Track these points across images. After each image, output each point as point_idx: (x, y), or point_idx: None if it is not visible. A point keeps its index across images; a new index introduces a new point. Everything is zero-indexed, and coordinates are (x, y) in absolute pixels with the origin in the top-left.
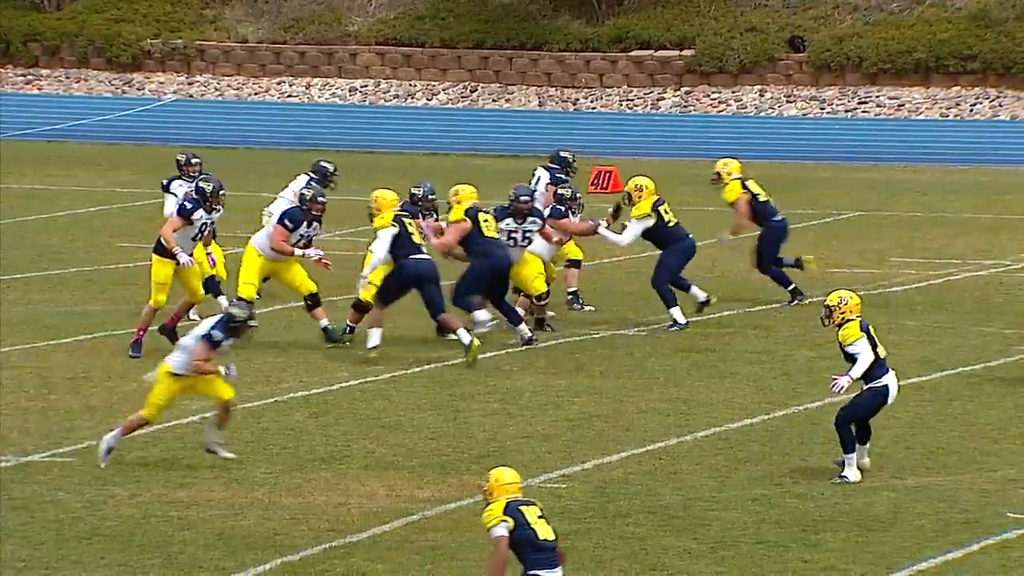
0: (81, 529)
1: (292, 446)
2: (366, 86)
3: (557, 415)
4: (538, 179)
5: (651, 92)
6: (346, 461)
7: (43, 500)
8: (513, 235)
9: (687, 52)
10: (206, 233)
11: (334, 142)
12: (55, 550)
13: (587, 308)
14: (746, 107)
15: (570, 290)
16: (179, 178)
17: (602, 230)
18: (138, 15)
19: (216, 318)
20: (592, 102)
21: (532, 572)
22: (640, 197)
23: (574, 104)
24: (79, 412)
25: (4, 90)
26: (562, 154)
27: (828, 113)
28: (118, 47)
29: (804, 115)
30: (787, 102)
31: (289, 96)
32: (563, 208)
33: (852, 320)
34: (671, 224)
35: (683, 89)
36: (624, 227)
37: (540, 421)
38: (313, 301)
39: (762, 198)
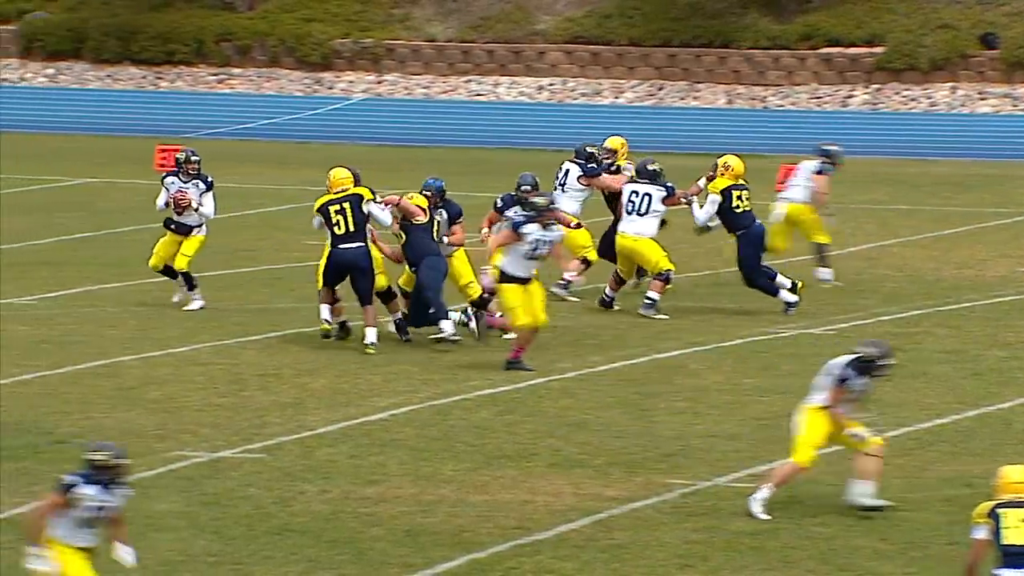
0: (272, 524)
1: (479, 444)
2: (553, 84)
3: (744, 414)
4: (567, 172)
5: (840, 89)
6: (532, 459)
7: (234, 496)
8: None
9: (877, 49)
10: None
11: (522, 140)
12: (246, 545)
13: (570, 299)
14: (937, 104)
15: (567, 275)
16: (176, 174)
17: (695, 207)
18: (328, 14)
19: (848, 357)
20: (781, 100)
21: (995, 571)
22: (722, 174)
23: (762, 102)
24: (269, 408)
25: (197, 89)
26: (588, 148)
27: (1021, 110)
28: (308, 46)
29: (996, 112)
30: (979, 99)
31: (477, 95)
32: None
33: None
34: (739, 210)
35: (873, 86)
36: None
37: (727, 420)
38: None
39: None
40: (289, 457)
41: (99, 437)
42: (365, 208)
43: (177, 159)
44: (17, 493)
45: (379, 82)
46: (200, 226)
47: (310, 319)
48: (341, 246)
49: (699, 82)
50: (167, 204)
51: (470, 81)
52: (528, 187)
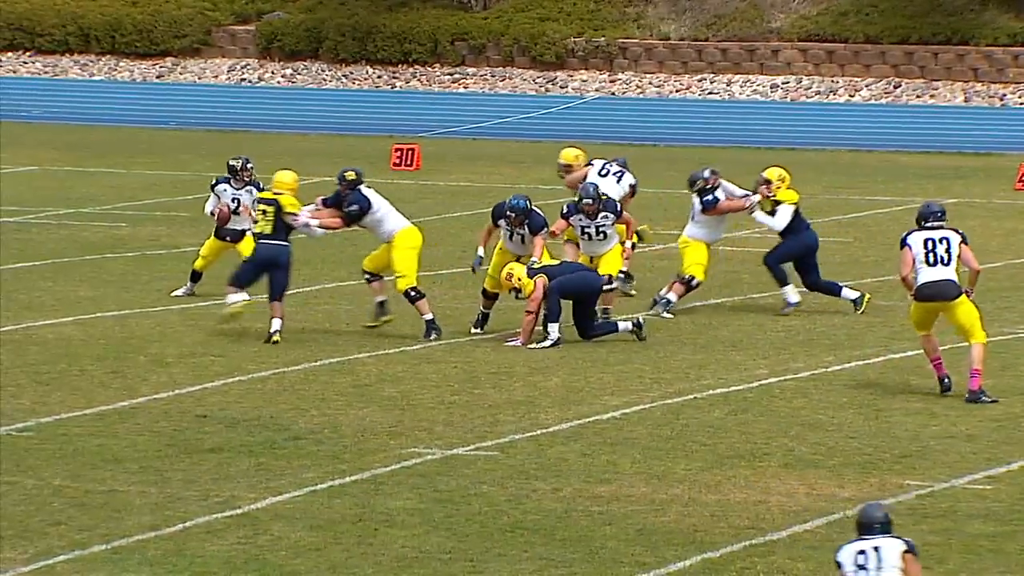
0: (504, 522)
1: (711, 443)
2: (788, 83)
3: (982, 415)
4: (621, 175)
5: None
6: (765, 459)
7: (468, 493)
8: (587, 230)
9: None
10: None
11: (755, 139)
12: (479, 543)
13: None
14: None
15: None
16: (228, 181)
17: (757, 213)
18: (562, 14)
19: None
20: (1020, 97)
21: None
22: (778, 188)
23: (1001, 100)
24: (502, 406)
25: (432, 88)
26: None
27: None
28: (542, 46)
29: None
30: None
31: (710, 93)
32: (711, 199)
33: None
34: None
35: None
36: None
37: (964, 421)
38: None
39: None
40: (521, 455)
41: (335, 434)
42: (284, 217)
43: (231, 166)
44: (254, 488)
45: (612, 81)
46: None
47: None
48: (262, 241)
49: (936, 80)
50: (213, 213)
51: (703, 80)
52: (589, 200)
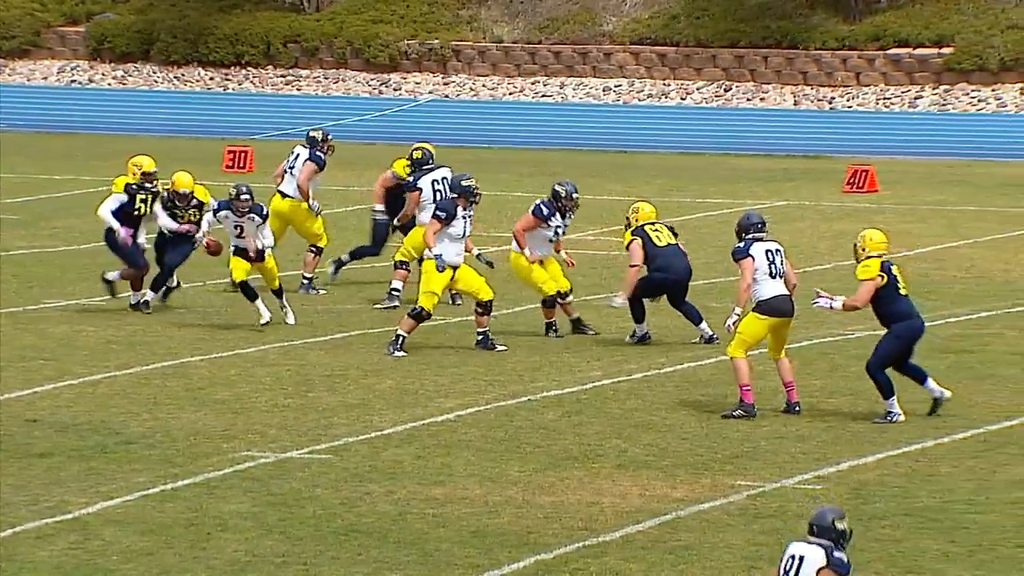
0: (338, 525)
1: (545, 444)
2: (620, 85)
3: (811, 416)
4: (297, 156)
5: (909, 91)
6: (599, 460)
7: (301, 496)
8: (558, 229)
9: (946, 50)
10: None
11: (588, 141)
12: (313, 546)
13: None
14: (1006, 105)
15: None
16: (229, 207)
17: (617, 299)
18: (395, 16)
19: None
20: (848, 101)
21: None
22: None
23: (830, 103)
24: (336, 409)
25: (264, 91)
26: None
27: None
28: (375, 48)
29: None
30: None
31: (543, 96)
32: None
33: None
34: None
35: (942, 87)
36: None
37: (794, 422)
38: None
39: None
40: (356, 458)
41: (167, 438)
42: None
43: (231, 194)
44: (85, 493)
45: (446, 83)
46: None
47: (377, 320)
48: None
49: (767, 83)
50: (192, 235)
51: (536, 82)
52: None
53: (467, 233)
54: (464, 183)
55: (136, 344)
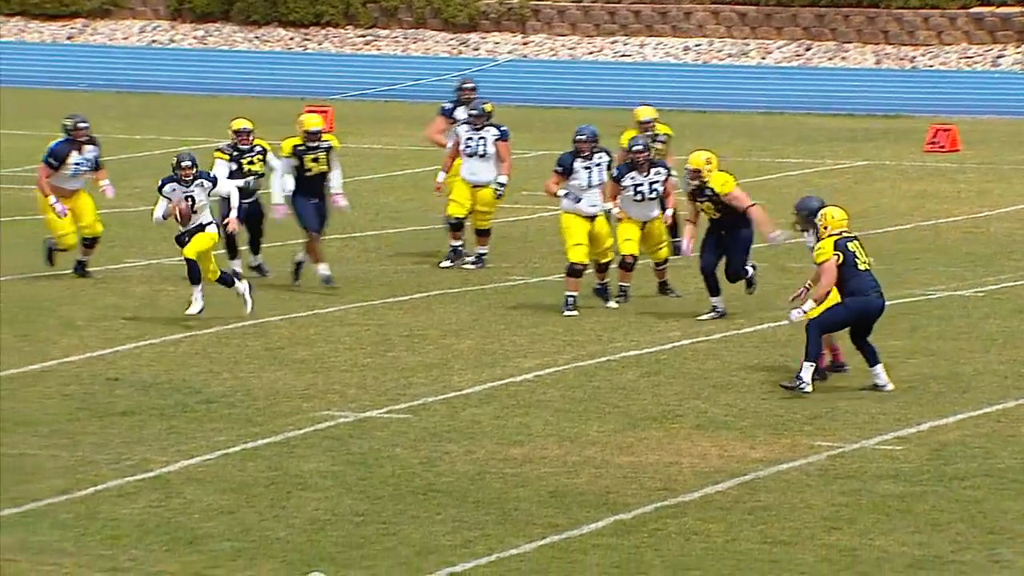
0: (417, 485)
1: (624, 405)
2: (699, 45)
3: (892, 376)
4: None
5: (991, 49)
6: (678, 420)
7: (380, 456)
8: (639, 188)
9: None
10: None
11: (667, 101)
12: (392, 505)
13: None
14: None
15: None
16: (175, 180)
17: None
18: None
19: None
20: (930, 60)
21: None
22: (714, 168)
23: (911, 62)
24: (415, 369)
25: (343, 51)
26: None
27: None
28: (454, 7)
29: None
30: None
31: (623, 55)
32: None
33: None
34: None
35: None
36: None
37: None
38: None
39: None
40: (435, 417)
41: (247, 397)
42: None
43: (172, 164)
44: (166, 451)
45: (525, 43)
46: (211, 223)
47: (457, 279)
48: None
49: (847, 42)
50: (166, 216)
51: (616, 42)
52: (639, 147)
53: (595, 182)
54: (577, 136)
55: (216, 304)
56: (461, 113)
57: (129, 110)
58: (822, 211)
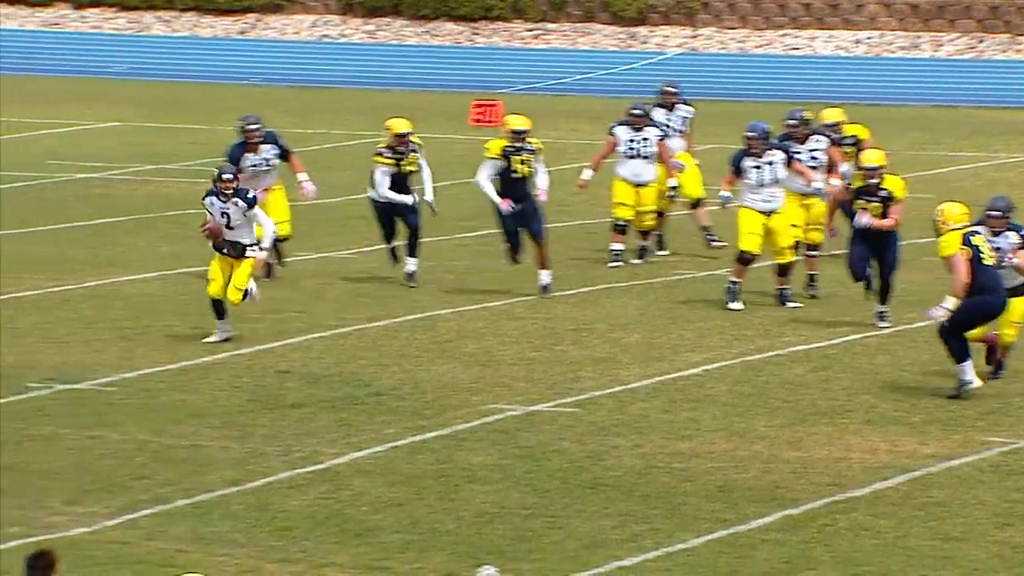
0: (584, 478)
1: (792, 400)
2: (871, 38)
3: None
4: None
5: None
6: (847, 416)
7: (548, 449)
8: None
9: None
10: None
11: (838, 95)
12: (560, 498)
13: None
14: None
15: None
16: (215, 194)
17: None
18: None
19: None
20: None
21: None
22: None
23: None
24: (583, 363)
25: (512, 45)
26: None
27: None
28: (623, 1)
29: None
30: None
31: (793, 48)
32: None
33: None
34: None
35: None
36: None
37: None
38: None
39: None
40: (602, 411)
41: (416, 390)
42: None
43: (212, 177)
44: (336, 444)
45: (694, 36)
46: (255, 245)
47: (624, 274)
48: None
49: (1021, 34)
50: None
51: (786, 35)
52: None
53: (768, 180)
54: (747, 134)
55: (384, 297)
56: (659, 115)
57: (301, 104)
58: (939, 207)
